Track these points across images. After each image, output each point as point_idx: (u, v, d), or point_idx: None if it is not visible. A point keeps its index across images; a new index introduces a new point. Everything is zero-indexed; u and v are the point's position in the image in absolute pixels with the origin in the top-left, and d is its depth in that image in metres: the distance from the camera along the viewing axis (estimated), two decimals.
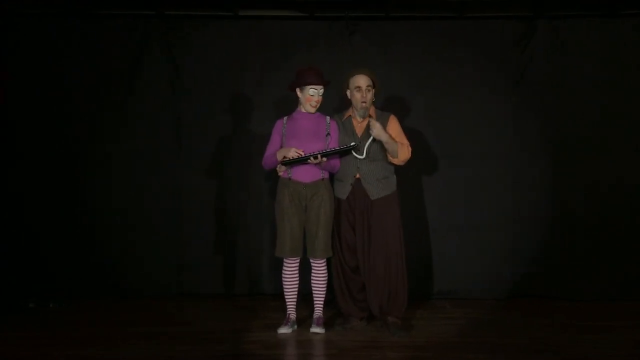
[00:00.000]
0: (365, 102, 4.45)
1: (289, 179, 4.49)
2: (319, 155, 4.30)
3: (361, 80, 4.46)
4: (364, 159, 4.47)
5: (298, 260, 4.55)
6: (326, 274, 4.58)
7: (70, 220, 5.51)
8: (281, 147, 4.50)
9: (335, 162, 4.52)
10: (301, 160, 4.36)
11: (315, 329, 4.49)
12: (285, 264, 4.55)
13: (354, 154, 4.48)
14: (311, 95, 4.45)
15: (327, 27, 5.60)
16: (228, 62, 5.59)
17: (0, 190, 5.48)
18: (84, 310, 5.12)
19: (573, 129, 5.54)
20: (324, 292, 4.60)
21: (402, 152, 4.49)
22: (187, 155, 5.61)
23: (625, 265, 5.46)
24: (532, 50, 5.56)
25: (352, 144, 4.43)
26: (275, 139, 4.54)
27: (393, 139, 4.46)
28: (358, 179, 4.52)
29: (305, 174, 4.48)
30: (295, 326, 4.58)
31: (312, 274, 4.59)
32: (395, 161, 4.54)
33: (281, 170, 4.53)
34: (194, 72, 5.59)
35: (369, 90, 4.47)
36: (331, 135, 4.51)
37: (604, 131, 5.51)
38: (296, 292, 4.59)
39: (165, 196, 5.59)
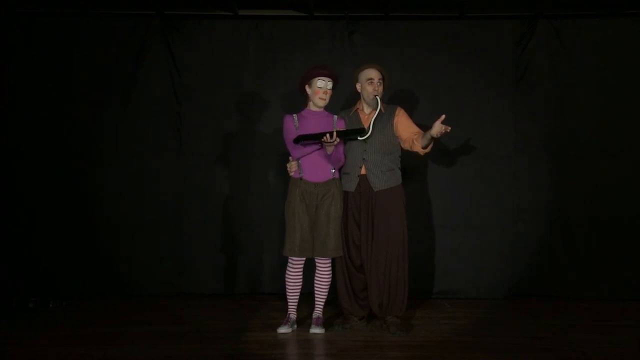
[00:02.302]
0: (377, 94, 4.51)
1: (300, 178, 4.49)
2: (334, 134, 4.26)
3: (373, 73, 4.55)
4: (367, 138, 4.47)
5: (304, 261, 4.54)
6: (330, 275, 4.57)
7: (70, 220, 5.51)
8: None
9: (341, 156, 4.51)
10: (315, 138, 4.31)
11: (315, 329, 4.48)
12: (290, 263, 4.52)
13: (359, 138, 4.49)
14: (319, 87, 4.44)
15: (327, 27, 5.62)
16: (228, 62, 5.59)
17: (0, 190, 5.48)
18: (84, 310, 5.12)
19: (573, 128, 5.55)
20: (326, 293, 4.59)
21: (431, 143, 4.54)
22: (187, 155, 5.61)
23: (625, 265, 5.47)
24: (532, 50, 5.56)
25: (362, 127, 4.45)
26: (292, 130, 4.47)
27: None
28: (363, 174, 4.53)
29: (316, 174, 4.47)
30: (295, 325, 4.57)
31: (316, 274, 4.58)
32: (422, 151, 4.56)
33: (292, 170, 4.52)
34: (194, 72, 5.60)
35: (380, 84, 4.54)
36: None
37: (604, 131, 5.52)
38: (298, 292, 4.58)
39: (166, 196, 5.59)
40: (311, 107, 4.52)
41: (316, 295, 4.60)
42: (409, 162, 5.41)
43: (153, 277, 5.56)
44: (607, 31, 5.52)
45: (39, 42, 5.51)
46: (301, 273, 4.55)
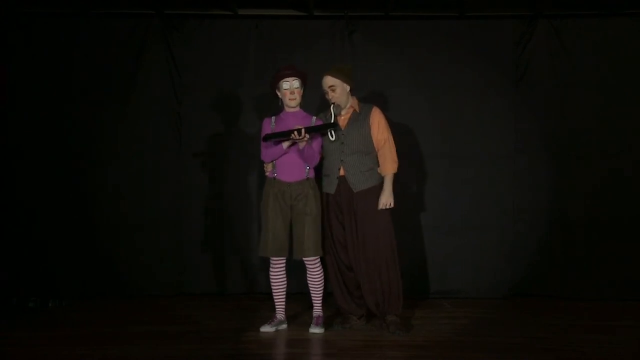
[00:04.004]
0: (332, 102, 4.51)
1: (274, 178, 4.50)
2: (302, 130, 4.28)
3: (323, 83, 4.55)
4: (334, 141, 4.49)
5: (284, 260, 4.54)
6: (321, 273, 4.56)
7: (70, 220, 5.51)
8: None
9: (314, 153, 4.48)
10: (284, 135, 4.34)
11: (315, 329, 4.48)
12: (271, 263, 4.55)
13: (329, 135, 4.49)
14: (285, 88, 4.47)
15: (327, 27, 5.62)
16: (228, 61, 5.59)
17: (1, 190, 5.48)
18: (84, 310, 5.12)
19: (573, 128, 5.55)
20: (321, 291, 4.59)
21: (390, 166, 4.52)
22: (187, 155, 5.61)
23: (625, 265, 5.46)
24: (532, 50, 5.57)
25: (332, 122, 4.46)
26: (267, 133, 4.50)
27: (383, 169, 4.51)
28: (342, 176, 4.52)
29: (289, 174, 4.48)
30: (284, 325, 4.58)
31: (307, 274, 4.58)
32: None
33: (268, 170, 4.54)
34: (194, 72, 5.60)
35: (333, 90, 4.52)
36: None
37: (604, 131, 5.52)
38: (284, 292, 4.59)
39: (166, 196, 5.59)
40: (287, 108, 4.54)
41: (312, 295, 4.61)
42: (409, 163, 5.42)
43: (153, 277, 5.56)
44: (607, 31, 5.52)
45: (39, 42, 5.52)
46: (283, 273, 4.56)
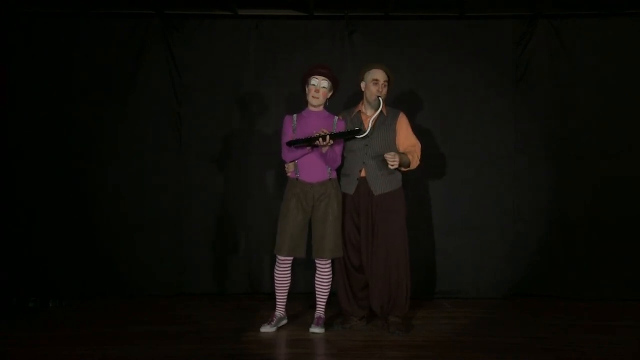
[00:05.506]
0: (380, 95, 4.49)
1: (297, 179, 4.49)
2: (327, 137, 4.27)
3: (379, 74, 4.52)
4: (367, 135, 4.45)
5: (291, 260, 4.54)
6: (330, 275, 4.58)
7: (70, 220, 5.51)
8: None
9: (336, 156, 4.49)
10: (308, 141, 4.33)
11: (315, 329, 4.48)
12: (278, 261, 4.54)
13: (357, 136, 4.47)
14: (312, 84, 4.45)
15: (327, 27, 5.62)
16: (228, 61, 5.59)
17: (1, 190, 5.47)
18: (84, 310, 5.11)
19: (573, 128, 5.55)
20: (327, 293, 4.59)
21: (413, 162, 4.54)
22: (187, 155, 5.61)
23: (625, 265, 5.46)
24: (532, 50, 5.57)
25: (357, 128, 4.44)
26: (288, 132, 4.50)
27: (404, 153, 4.49)
28: (363, 177, 4.52)
29: (312, 175, 4.47)
30: (284, 321, 4.59)
31: (317, 274, 4.58)
32: (406, 170, 4.58)
33: (289, 170, 4.53)
34: (194, 72, 5.60)
35: (385, 85, 4.53)
36: None
37: (604, 131, 5.52)
38: (286, 292, 4.59)
39: (166, 196, 5.59)
40: (309, 106, 4.53)
41: (317, 296, 4.61)
42: None
43: (153, 277, 5.56)
44: (607, 31, 5.52)
45: (39, 42, 5.51)
46: (289, 272, 4.55)
